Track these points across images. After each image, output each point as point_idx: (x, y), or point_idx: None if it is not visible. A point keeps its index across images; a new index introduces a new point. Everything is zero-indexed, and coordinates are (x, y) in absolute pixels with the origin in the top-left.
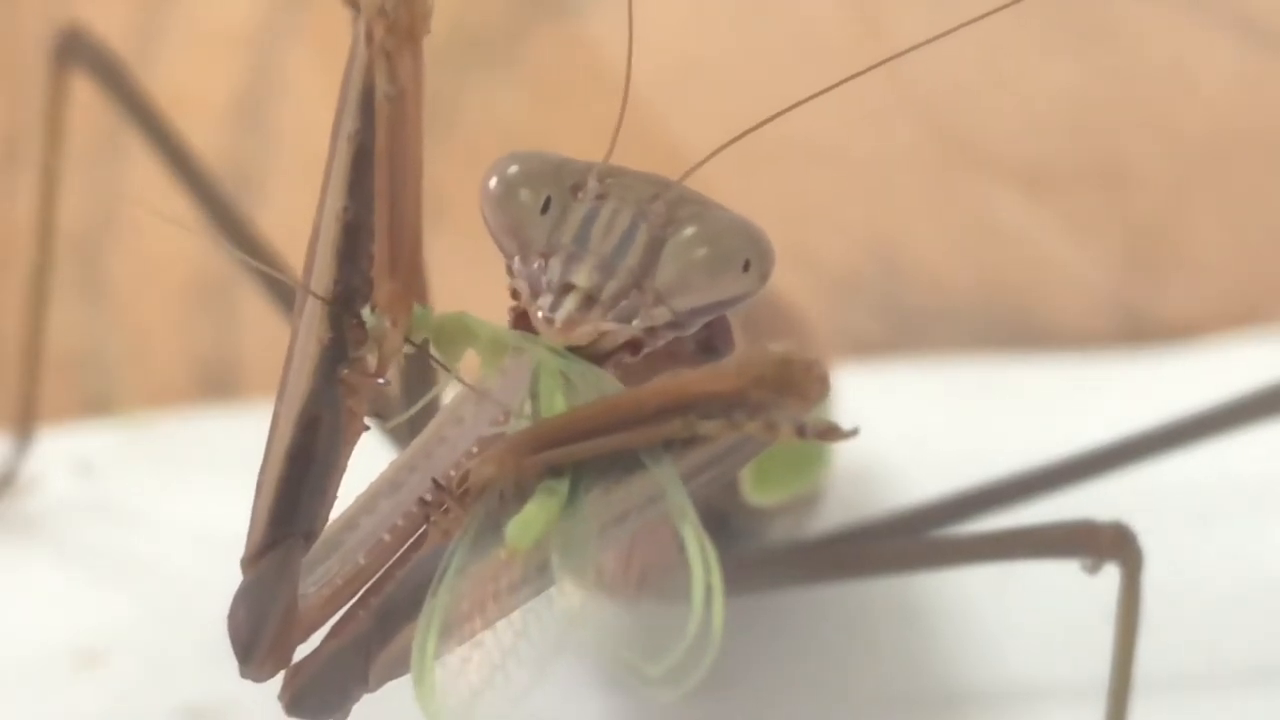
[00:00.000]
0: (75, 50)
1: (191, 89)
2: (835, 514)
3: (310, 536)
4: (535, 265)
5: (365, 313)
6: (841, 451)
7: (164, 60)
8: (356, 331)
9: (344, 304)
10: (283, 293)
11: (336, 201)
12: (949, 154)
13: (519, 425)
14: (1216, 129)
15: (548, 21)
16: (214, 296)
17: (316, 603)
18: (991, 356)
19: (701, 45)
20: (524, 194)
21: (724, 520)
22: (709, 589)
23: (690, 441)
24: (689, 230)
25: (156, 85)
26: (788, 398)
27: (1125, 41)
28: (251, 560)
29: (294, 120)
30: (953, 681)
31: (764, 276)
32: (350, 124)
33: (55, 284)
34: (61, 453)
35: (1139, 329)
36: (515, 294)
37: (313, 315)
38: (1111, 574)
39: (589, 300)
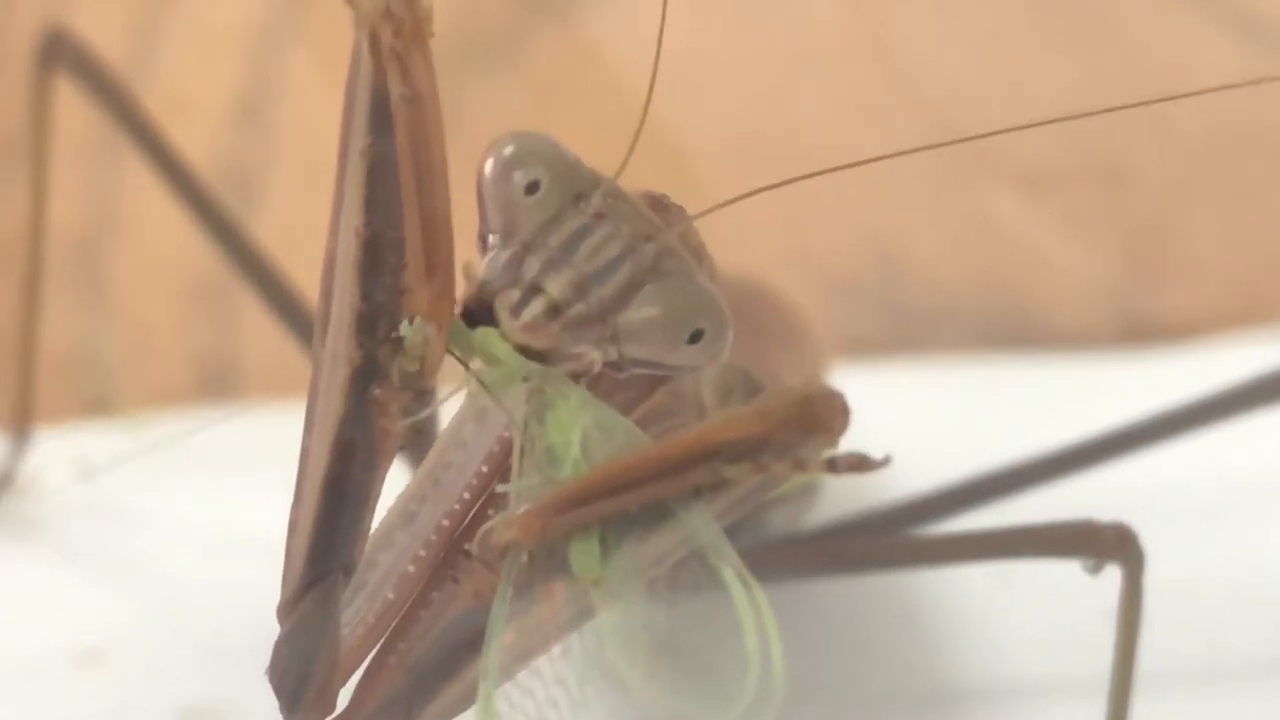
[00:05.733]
0: (59, 52)
1: (191, 90)
2: (833, 514)
3: (349, 569)
4: (514, 252)
5: (404, 325)
6: (841, 448)
7: (163, 61)
8: (389, 347)
9: (371, 323)
10: (269, 288)
11: (353, 219)
12: (949, 154)
13: (526, 477)
14: (1216, 129)
15: (548, 22)
16: (214, 296)
17: (353, 644)
18: (991, 356)
19: (701, 45)
20: (528, 177)
21: None
22: (763, 633)
23: (719, 485)
24: (670, 285)
25: (156, 86)
26: (813, 435)
27: (1125, 41)
28: (290, 604)
29: (294, 121)
30: (953, 681)
31: (715, 357)
32: (361, 138)
33: (56, 285)
34: (61, 453)
35: (1139, 329)
36: (470, 275)
37: (339, 338)
38: (1113, 575)
39: (553, 311)
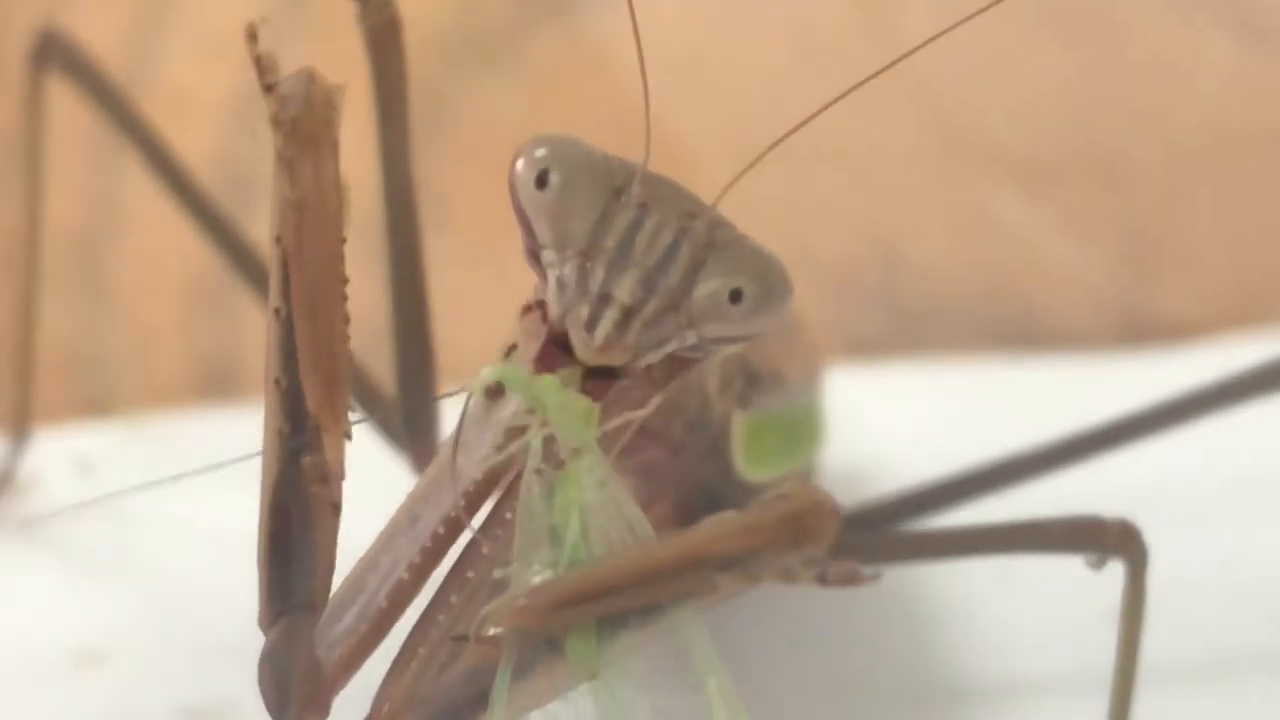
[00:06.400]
0: (52, 53)
1: (190, 90)
2: None
3: (313, 609)
4: (574, 264)
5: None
6: (841, 450)
7: (162, 61)
8: (310, 424)
9: (295, 398)
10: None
11: (273, 300)
12: (949, 153)
13: (525, 555)
14: (1214, 127)
15: (548, 21)
16: (214, 296)
17: (345, 651)
18: (991, 356)
19: (701, 44)
20: (566, 182)
21: (718, 498)
22: None
23: (709, 591)
24: (731, 256)
25: (155, 86)
26: (803, 547)
27: (1123, 39)
28: (265, 624)
29: None
30: (955, 677)
31: (785, 312)
32: (277, 225)
33: (56, 285)
34: (61, 453)
35: (1139, 329)
36: (536, 305)
37: (270, 407)
38: (1116, 570)
39: (627, 317)
